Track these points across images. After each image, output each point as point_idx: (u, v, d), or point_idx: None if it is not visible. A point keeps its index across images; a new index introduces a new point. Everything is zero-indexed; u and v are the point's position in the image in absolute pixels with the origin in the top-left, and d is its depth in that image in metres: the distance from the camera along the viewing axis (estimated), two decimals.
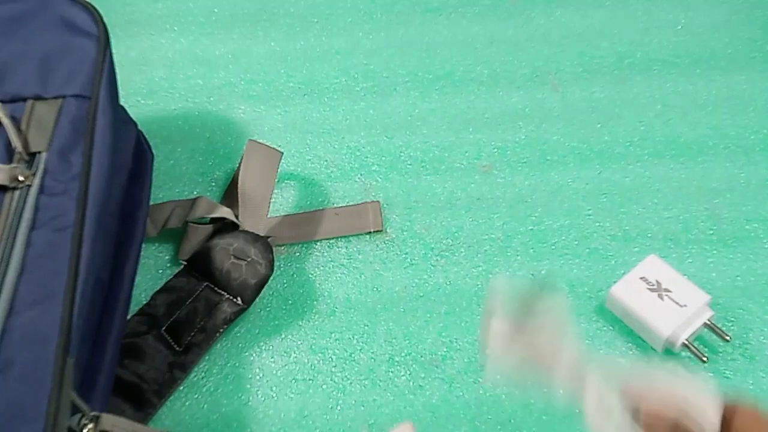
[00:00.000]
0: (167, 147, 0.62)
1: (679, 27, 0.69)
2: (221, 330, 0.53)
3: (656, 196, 0.60)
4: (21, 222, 0.42)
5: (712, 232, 0.58)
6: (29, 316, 0.39)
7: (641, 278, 0.51)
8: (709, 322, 0.50)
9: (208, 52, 0.67)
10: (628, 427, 0.30)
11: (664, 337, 0.49)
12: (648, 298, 0.50)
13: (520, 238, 0.58)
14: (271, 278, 0.54)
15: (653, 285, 0.50)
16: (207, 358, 0.53)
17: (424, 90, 0.66)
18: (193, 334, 0.52)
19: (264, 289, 0.54)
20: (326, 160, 0.62)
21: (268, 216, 0.57)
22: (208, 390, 0.52)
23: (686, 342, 0.49)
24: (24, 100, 0.46)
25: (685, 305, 0.49)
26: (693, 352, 0.50)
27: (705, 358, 0.50)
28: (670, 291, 0.50)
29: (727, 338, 0.50)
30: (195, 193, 0.60)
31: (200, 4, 0.69)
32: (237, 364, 0.53)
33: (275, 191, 0.58)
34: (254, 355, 0.54)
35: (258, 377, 0.53)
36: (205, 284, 0.54)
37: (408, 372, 0.53)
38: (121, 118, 0.52)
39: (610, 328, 0.53)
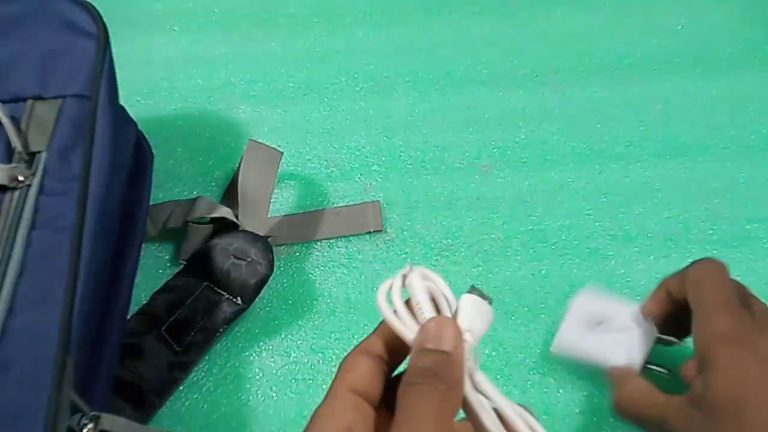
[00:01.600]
0: (167, 147, 0.62)
1: (679, 27, 0.69)
2: (221, 330, 0.53)
3: (656, 196, 0.60)
4: (21, 222, 0.42)
5: (712, 232, 0.58)
6: (29, 316, 0.39)
7: (576, 322, 0.48)
8: (658, 336, 0.46)
9: (208, 52, 0.67)
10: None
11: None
12: (590, 338, 0.47)
13: (520, 238, 0.58)
14: (271, 278, 0.54)
15: (599, 320, 0.48)
16: (207, 358, 0.53)
17: (424, 90, 0.66)
18: (193, 334, 0.52)
19: (264, 289, 0.54)
20: (326, 160, 0.62)
21: (268, 216, 0.57)
22: (208, 390, 0.52)
23: (647, 365, 0.46)
24: (24, 100, 0.46)
25: (628, 328, 0.46)
26: (657, 371, 0.47)
27: (667, 372, 0.46)
28: (608, 320, 0.47)
29: (677, 341, 0.46)
30: (195, 193, 0.60)
31: (200, 4, 0.69)
32: (237, 364, 0.53)
33: (275, 191, 0.58)
34: (254, 355, 0.54)
35: (258, 377, 0.53)
36: (205, 284, 0.54)
37: None
38: (121, 118, 0.52)
39: None
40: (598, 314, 0.47)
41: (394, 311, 0.30)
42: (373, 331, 0.32)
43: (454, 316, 0.30)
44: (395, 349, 0.31)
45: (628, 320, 0.46)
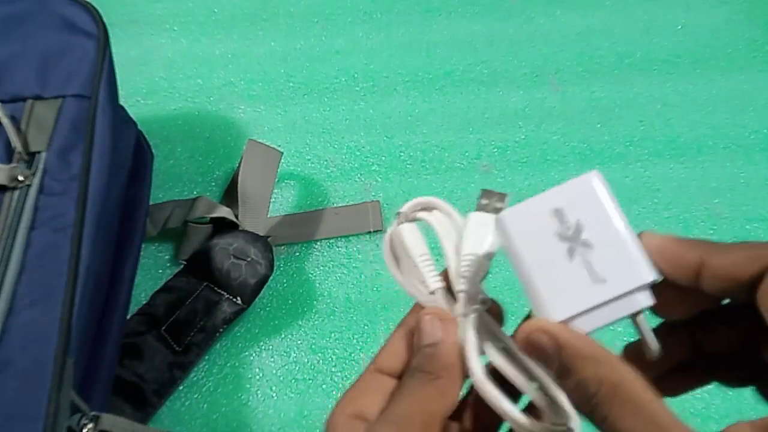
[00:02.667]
0: (167, 147, 0.62)
1: (679, 27, 0.69)
2: (221, 330, 0.53)
3: (656, 196, 0.60)
4: (20, 222, 0.42)
5: (712, 232, 0.58)
6: (29, 316, 0.39)
7: (555, 210, 0.26)
8: (637, 319, 0.26)
9: (208, 52, 0.67)
10: None
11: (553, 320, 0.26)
12: (550, 250, 0.26)
13: None
14: (271, 278, 0.54)
15: (568, 228, 0.26)
16: (207, 358, 0.53)
17: (424, 90, 0.66)
18: (192, 333, 0.52)
19: (264, 289, 0.54)
20: (326, 160, 0.62)
21: (268, 216, 0.57)
22: (208, 390, 0.52)
23: None
24: (24, 100, 0.46)
25: (604, 279, 0.25)
26: None
27: None
28: (590, 246, 0.26)
29: (653, 351, 0.26)
30: (195, 192, 0.60)
31: (200, 4, 0.69)
32: (237, 364, 0.53)
33: (275, 191, 0.58)
34: (254, 355, 0.54)
35: (258, 377, 0.53)
36: (204, 284, 0.54)
37: None
38: (121, 117, 0.52)
39: None
40: (587, 223, 0.26)
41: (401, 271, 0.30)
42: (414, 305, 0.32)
43: (458, 254, 0.29)
44: None
45: (616, 267, 0.26)
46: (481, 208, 0.29)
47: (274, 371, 0.53)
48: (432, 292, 0.29)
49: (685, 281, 0.25)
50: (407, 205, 0.30)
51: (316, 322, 0.55)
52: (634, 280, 0.25)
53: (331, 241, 0.58)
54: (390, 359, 0.30)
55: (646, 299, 0.25)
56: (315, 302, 0.56)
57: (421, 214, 0.30)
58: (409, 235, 0.30)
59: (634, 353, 0.28)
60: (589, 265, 0.26)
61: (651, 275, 0.25)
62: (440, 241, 0.29)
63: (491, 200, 0.29)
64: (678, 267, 0.25)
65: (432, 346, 0.28)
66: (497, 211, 0.29)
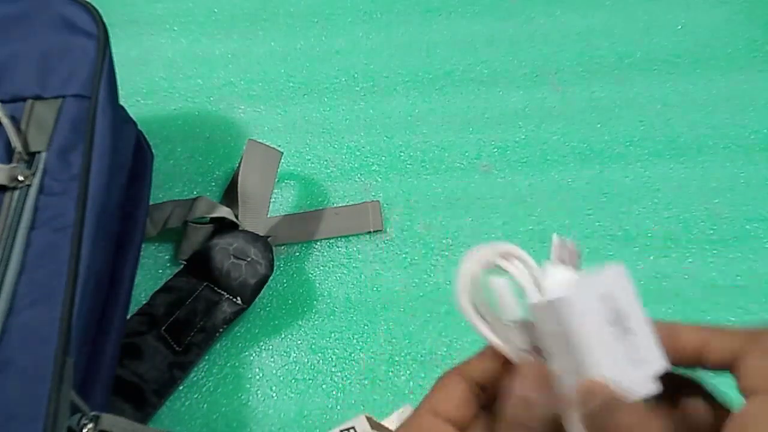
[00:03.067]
0: (167, 147, 0.62)
1: (679, 27, 0.69)
2: (221, 330, 0.53)
3: (656, 196, 0.60)
4: (20, 222, 0.42)
5: (712, 232, 0.58)
6: (29, 316, 0.39)
7: (601, 296, 0.30)
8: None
9: (208, 52, 0.67)
10: None
11: None
12: (602, 331, 0.29)
13: (520, 238, 0.58)
14: (271, 278, 0.54)
15: (613, 315, 0.30)
16: (207, 358, 0.53)
17: (424, 90, 0.66)
18: (192, 333, 0.52)
19: (264, 289, 0.54)
20: (326, 160, 0.62)
21: (268, 216, 0.57)
22: (208, 390, 0.52)
23: None
24: (24, 99, 0.46)
25: (641, 361, 0.29)
26: None
27: None
28: (633, 333, 0.29)
29: None
30: (195, 192, 0.60)
31: (200, 4, 0.69)
32: (237, 364, 0.53)
33: (275, 191, 0.58)
34: (254, 355, 0.54)
35: (258, 377, 0.53)
36: (204, 284, 0.54)
37: (408, 372, 0.53)
38: (121, 117, 0.52)
39: None
40: (626, 313, 0.30)
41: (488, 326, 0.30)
42: (477, 354, 0.30)
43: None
44: (498, 381, 0.29)
45: (647, 352, 0.30)
46: (557, 259, 0.30)
47: (274, 371, 0.53)
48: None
49: (691, 363, 0.29)
50: (485, 250, 0.29)
51: (316, 322, 0.55)
52: (654, 364, 0.29)
53: (331, 241, 0.58)
54: (448, 407, 0.29)
55: (651, 384, 0.29)
56: (315, 302, 0.56)
57: (501, 263, 0.30)
58: (506, 291, 0.30)
59: None
60: (632, 348, 0.29)
61: (663, 360, 0.29)
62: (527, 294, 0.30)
63: (564, 255, 0.30)
64: (683, 351, 0.29)
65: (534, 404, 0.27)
66: (574, 267, 0.30)
